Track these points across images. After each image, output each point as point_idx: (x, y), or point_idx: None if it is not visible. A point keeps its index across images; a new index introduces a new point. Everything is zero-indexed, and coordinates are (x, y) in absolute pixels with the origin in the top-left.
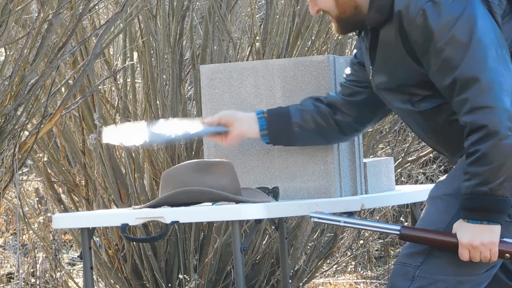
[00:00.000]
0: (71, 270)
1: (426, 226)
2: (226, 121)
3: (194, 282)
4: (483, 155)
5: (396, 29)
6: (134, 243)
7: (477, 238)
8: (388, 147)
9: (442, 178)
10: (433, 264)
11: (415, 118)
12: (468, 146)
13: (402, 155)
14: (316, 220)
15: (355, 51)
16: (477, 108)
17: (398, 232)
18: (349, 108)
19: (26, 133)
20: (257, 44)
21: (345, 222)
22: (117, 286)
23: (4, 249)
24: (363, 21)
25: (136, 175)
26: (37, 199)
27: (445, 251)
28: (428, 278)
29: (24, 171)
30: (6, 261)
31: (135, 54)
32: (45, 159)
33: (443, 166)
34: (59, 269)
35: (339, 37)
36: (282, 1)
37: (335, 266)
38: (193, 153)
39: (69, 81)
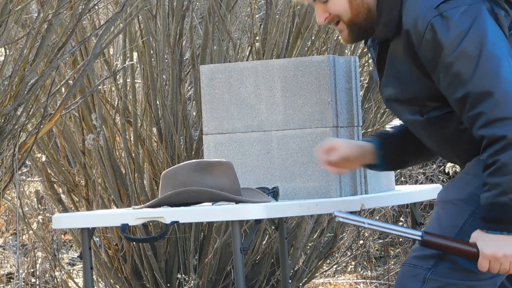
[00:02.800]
0: (71, 270)
1: (438, 230)
2: (336, 146)
3: (193, 282)
4: (503, 165)
5: (405, 45)
6: (134, 243)
7: (501, 250)
8: None
9: (453, 181)
10: (444, 267)
11: (425, 128)
12: (487, 157)
13: None
14: (341, 219)
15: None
16: (493, 121)
17: (420, 238)
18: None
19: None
20: (257, 44)
21: (369, 224)
22: (117, 286)
23: (4, 249)
24: (373, 28)
25: (136, 175)
26: (36, 198)
27: (457, 257)
28: (440, 281)
29: (24, 171)
30: (6, 261)
31: (135, 54)
32: (44, 159)
33: (443, 166)
34: (57, 268)
35: (339, 37)
36: (282, 1)
37: (335, 266)
38: (193, 153)
39: (69, 81)
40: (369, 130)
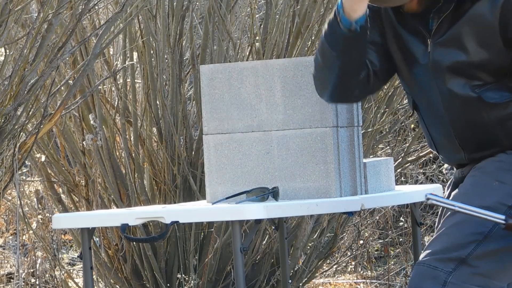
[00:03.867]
0: (71, 270)
1: (458, 237)
2: None
3: (193, 282)
4: None
5: (498, 8)
6: (134, 243)
7: None
8: (388, 147)
9: (473, 185)
10: (465, 272)
11: (470, 105)
12: None
13: (402, 155)
14: (433, 202)
15: None
16: None
17: (503, 222)
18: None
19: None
20: (257, 44)
21: (459, 207)
22: (117, 286)
23: (4, 249)
24: None
25: (136, 175)
26: (36, 198)
27: (479, 262)
28: (459, 285)
29: (24, 171)
30: (6, 261)
31: (135, 54)
32: (43, 159)
33: (442, 166)
34: (57, 268)
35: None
36: (282, 1)
37: (335, 266)
38: (193, 153)
39: (69, 81)
40: (369, 130)
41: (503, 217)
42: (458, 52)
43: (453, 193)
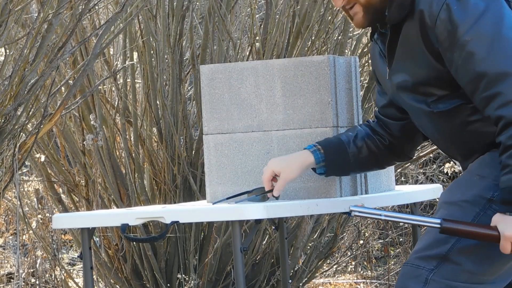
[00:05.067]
0: (71, 270)
1: (477, 191)
2: (278, 172)
3: (193, 282)
4: None
5: (417, 26)
6: (134, 243)
7: None
8: None
9: (456, 181)
10: (447, 269)
11: (430, 119)
12: (506, 139)
13: None
14: (357, 214)
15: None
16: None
17: (439, 226)
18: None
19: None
20: (257, 44)
21: (385, 216)
22: (117, 286)
23: (4, 249)
24: (384, 14)
25: (136, 175)
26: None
27: (460, 257)
28: (442, 283)
29: (24, 171)
30: (6, 261)
31: (135, 54)
32: (43, 159)
33: (443, 166)
34: (57, 268)
35: (339, 37)
36: (282, 1)
37: (335, 266)
38: (193, 153)
39: (69, 81)
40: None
41: (438, 220)
42: (403, 74)
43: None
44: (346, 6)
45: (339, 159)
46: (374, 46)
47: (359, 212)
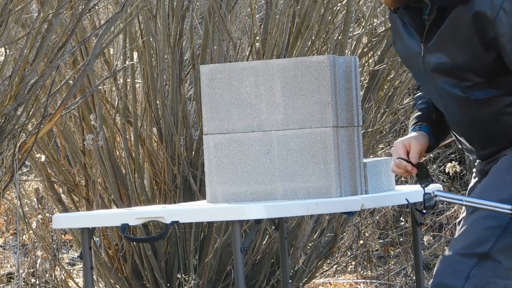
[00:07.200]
0: (71, 270)
1: (476, 232)
2: (407, 142)
3: (193, 282)
4: None
5: (471, 13)
6: (134, 243)
7: None
8: (388, 147)
9: (482, 184)
10: (488, 266)
11: (462, 105)
12: None
13: None
14: (441, 198)
15: None
16: None
17: (510, 212)
18: None
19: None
20: (257, 44)
21: (466, 201)
22: (117, 286)
23: (4, 249)
24: None
25: (136, 175)
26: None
27: (501, 256)
28: (482, 279)
29: (24, 171)
30: (6, 261)
31: (135, 54)
32: (43, 159)
33: (443, 166)
34: (57, 268)
35: (339, 37)
36: (282, 1)
37: (335, 266)
38: (193, 153)
39: (69, 81)
40: (369, 130)
41: (509, 207)
42: (442, 55)
43: (470, 186)
44: None
45: (440, 123)
46: (395, 18)
47: (443, 196)
